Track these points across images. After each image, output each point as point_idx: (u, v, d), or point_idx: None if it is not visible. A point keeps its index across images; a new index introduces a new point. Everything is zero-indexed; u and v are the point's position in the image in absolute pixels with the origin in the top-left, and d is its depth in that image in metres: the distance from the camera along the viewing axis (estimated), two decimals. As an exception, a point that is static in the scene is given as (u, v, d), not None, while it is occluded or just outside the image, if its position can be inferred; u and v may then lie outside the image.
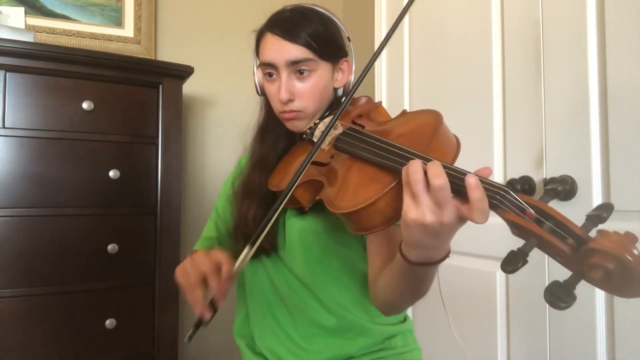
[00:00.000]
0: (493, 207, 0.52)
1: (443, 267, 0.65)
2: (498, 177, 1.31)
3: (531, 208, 0.50)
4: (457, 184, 0.52)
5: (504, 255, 0.50)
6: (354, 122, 0.84)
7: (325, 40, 0.88)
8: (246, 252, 0.68)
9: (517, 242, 0.50)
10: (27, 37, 1.44)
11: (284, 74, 0.87)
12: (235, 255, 0.70)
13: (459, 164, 0.58)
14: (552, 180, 1.13)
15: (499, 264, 0.51)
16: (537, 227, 0.49)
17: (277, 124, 0.96)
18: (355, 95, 0.97)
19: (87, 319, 1.43)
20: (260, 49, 0.91)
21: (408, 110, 0.82)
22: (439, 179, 0.52)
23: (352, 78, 0.95)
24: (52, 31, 1.76)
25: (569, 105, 1.13)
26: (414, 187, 0.54)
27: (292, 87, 0.87)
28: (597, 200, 1.07)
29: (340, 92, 0.95)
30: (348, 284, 0.92)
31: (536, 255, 1.16)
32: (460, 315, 1.40)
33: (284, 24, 0.87)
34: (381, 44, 0.70)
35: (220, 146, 2.04)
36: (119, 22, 1.87)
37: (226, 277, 0.68)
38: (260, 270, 0.94)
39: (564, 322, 1.12)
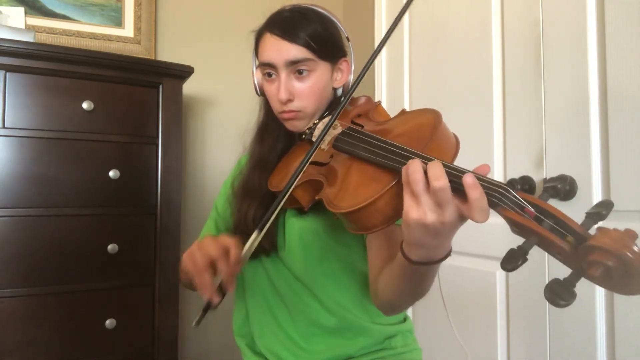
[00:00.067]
0: (492, 205, 0.52)
1: (443, 267, 0.65)
2: (498, 177, 1.31)
3: (530, 206, 0.50)
4: (456, 182, 0.52)
5: (504, 255, 0.50)
6: (353, 122, 0.84)
7: (324, 40, 0.88)
8: (255, 236, 0.69)
9: (517, 242, 0.50)
10: (27, 37, 1.44)
11: (283, 74, 0.87)
12: (243, 241, 0.70)
13: (459, 162, 0.58)
14: (552, 178, 1.13)
15: (499, 263, 0.51)
16: (537, 224, 0.49)
17: (276, 124, 0.96)
18: (355, 94, 0.97)
19: (87, 319, 1.43)
20: (260, 49, 0.91)
21: (407, 110, 0.82)
22: (440, 180, 0.52)
23: (352, 78, 0.95)
24: (52, 31, 1.76)
25: (569, 105, 1.13)
26: (414, 187, 0.54)
27: (292, 87, 0.88)
28: (597, 200, 1.07)
29: (339, 92, 0.96)
30: (348, 284, 0.92)
31: (536, 255, 1.16)
32: (461, 315, 1.40)
33: (283, 24, 0.87)
34: (380, 43, 0.70)
35: (220, 146, 2.04)
36: (119, 22, 1.87)
37: (235, 261, 0.68)
38: (260, 270, 0.94)
39: (564, 322, 1.12)
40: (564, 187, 1.07)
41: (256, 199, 0.91)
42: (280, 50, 0.86)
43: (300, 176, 0.71)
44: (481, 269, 1.35)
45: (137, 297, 1.51)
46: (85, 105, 1.44)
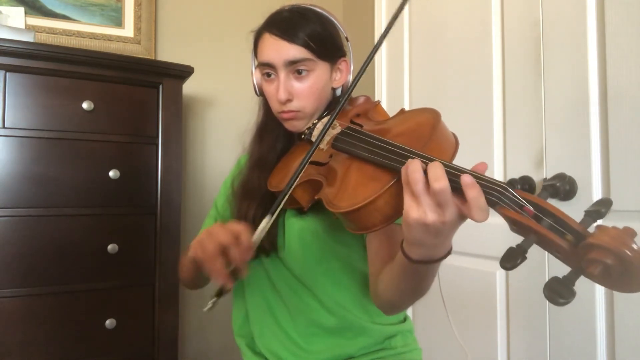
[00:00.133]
0: (491, 203, 0.52)
1: (443, 267, 0.65)
2: (498, 177, 1.31)
3: (529, 204, 0.50)
4: (455, 181, 0.53)
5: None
6: (352, 122, 0.84)
7: (323, 40, 0.88)
8: (266, 222, 0.69)
9: (517, 241, 0.50)
10: (27, 37, 1.44)
11: (282, 74, 0.87)
12: (252, 228, 0.70)
13: (459, 162, 0.58)
14: (550, 178, 1.13)
15: (498, 263, 0.51)
16: (536, 223, 0.49)
17: (275, 124, 0.96)
18: (354, 94, 0.97)
19: (87, 319, 1.43)
20: (259, 49, 0.91)
21: (406, 109, 0.82)
22: (440, 182, 0.52)
23: (351, 78, 0.95)
24: (52, 31, 1.76)
25: (569, 105, 1.13)
26: (414, 187, 0.54)
27: (291, 87, 0.88)
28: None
29: (338, 92, 0.96)
30: (348, 283, 0.92)
31: (536, 255, 1.16)
32: (461, 315, 1.40)
33: (282, 24, 0.87)
34: (377, 44, 0.70)
35: (220, 146, 2.04)
36: (119, 22, 1.87)
37: (247, 247, 0.68)
38: (260, 270, 0.94)
39: (564, 321, 1.12)
40: (564, 187, 1.07)
41: (256, 199, 0.91)
42: (280, 50, 0.86)
43: (301, 174, 0.71)
44: (481, 269, 1.35)
45: (137, 297, 1.51)
46: (85, 105, 1.44)
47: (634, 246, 0.43)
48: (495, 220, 0.57)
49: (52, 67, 1.40)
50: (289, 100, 0.88)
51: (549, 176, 1.17)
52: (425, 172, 0.54)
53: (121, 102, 1.51)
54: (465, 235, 0.91)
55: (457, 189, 0.53)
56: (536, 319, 1.19)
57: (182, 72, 1.59)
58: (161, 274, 1.53)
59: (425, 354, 1.01)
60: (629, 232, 0.44)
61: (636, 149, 0.99)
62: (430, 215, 0.53)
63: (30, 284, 1.36)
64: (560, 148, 1.14)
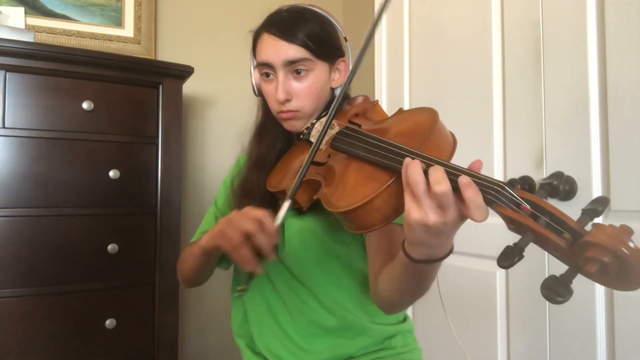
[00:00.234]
0: (488, 202, 0.52)
1: (442, 267, 0.65)
2: (498, 177, 1.31)
3: (526, 203, 0.50)
4: (454, 180, 0.53)
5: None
6: (350, 122, 0.84)
7: (322, 40, 0.88)
8: (287, 206, 0.71)
9: (516, 241, 0.50)
10: (27, 37, 1.44)
11: (281, 74, 0.87)
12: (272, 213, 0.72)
13: (458, 162, 0.58)
14: (547, 176, 1.13)
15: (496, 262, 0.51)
16: (533, 221, 0.49)
17: (274, 124, 0.96)
18: (353, 94, 0.97)
19: (87, 319, 1.43)
20: (257, 49, 0.91)
21: (404, 109, 0.82)
22: (441, 185, 0.52)
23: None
24: (52, 31, 1.76)
25: (569, 105, 1.13)
26: (415, 189, 0.54)
27: (289, 87, 0.88)
28: (597, 200, 1.07)
29: (337, 92, 0.96)
30: (347, 283, 0.92)
31: (536, 255, 1.16)
32: (461, 315, 1.40)
33: (280, 24, 0.87)
34: (365, 42, 0.70)
35: (220, 146, 2.04)
36: (119, 22, 1.87)
37: (272, 232, 0.69)
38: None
39: (564, 321, 1.12)
40: (563, 186, 1.07)
41: (255, 199, 0.91)
42: (278, 50, 0.86)
43: (303, 173, 0.72)
44: (481, 269, 1.35)
45: (137, 297, 1.51)
46: (85, 105, 1.44)
47: (631, 244, 0.43)
48: (495, 220, 0.57)
49: (52, 67, 1.40)
50: (287, 100, 0.88)
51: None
52: (425, 172, 0.54)
53: (121, 102, 1.51)
54: (465, 235, 0.91)
55: (455, 189, 0.53)
56: (536, 319, 1.19)
57: (182, 72, 1.59)
58: (161, 274, 1.53)
59: (425, 354, 1.01)
60: (626, 230, 0.44)
61: (636, 149, 0.99)
62: (431, 216, 0.53)
63: (30, 284, 1.36)
64: (560, 148, 1.14)
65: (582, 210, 0.48)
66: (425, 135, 0.64)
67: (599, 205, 0.48)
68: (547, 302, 0.44)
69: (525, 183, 1.16)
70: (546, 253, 1.13)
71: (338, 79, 0.94)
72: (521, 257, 0.48)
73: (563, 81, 1.14)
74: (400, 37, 1.73)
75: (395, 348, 0.94)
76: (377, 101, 0.91)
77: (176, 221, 1.57)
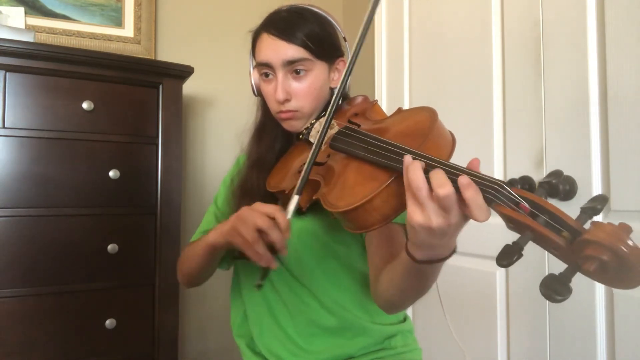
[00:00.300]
0: (487, 201, 0.52)
1: (442, 266, 0.65)
2: (498, 177, 1.31)
3: (525, 201, 0.50)
4: (453, 180, 0.52)
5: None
6: (349, 121, 0.84)
7: (321, 40, 0.88)
8: (296, 200, 0.72)
9: (514, 239, 0.50)
10: (27, 37, 1.44)
11: (280, 74, 0.87)
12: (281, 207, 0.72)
13: (457, 161, 0.58)
14: (547, 175, 1.13)
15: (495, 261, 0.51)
16: (532, 220, 0.49)
17: (274, 124, 0.96)
18: (352, 94, 0.97)
19: (87, 319, 1.43)
20: (257, 49, 0.91)
21: (403, 109, 0.82)
22: (444, 188, 0.51)
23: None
24: (52, 31, 1.76)
25: (569, 105, 1.13)
26: (418, 194, 0.53)
27: (289, 86, 0.88)
28: (597, 200, 1.07)
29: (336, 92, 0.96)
30: (347, 283, 0.91)
31: (536, 255, 1.16)
32: (460, 315, 1.40)
33: (280, 24, 0.87)
34: (359, 40, 0.70)
35: (220, 146, 2.04)
36: (119, 22, 1.87)
37: (285, 226, 0.70)
38: (259, 270, 0.94)
39: (564, 321, 1.12)
40: (563, 186, 1.07)
41: (254, 199, 0.91)
42: (277, 50, 0.86)
43: (309, 168, 0.73)
44: (481, 269, 1.35)
45: (137, 297, 1.51)
46: (85, 105, 1.44)
47: (630, 242, 0.43)
48: (495, 220, 0.57)
49: (52, 67, 1.40)
50: (287, 100, 0.88)
51: (549, 176, 1.17)
52: (425, 172, 0.54)
53: (121, 102, 1.51)
54: (465, 235, 0.91)
55: (455, 189, 0.53)
56: (536, 318, 1.18)
57: (182, 72, 1.59)
58: (161, 274, 1.53)
59: (425, 354, 1.01)
60: (625, 228, 0.44)
61: (636, 149, 0.99)
62: (435, 219, 0.53)
63: (30, 284, 1.36)
64: (560, 148, 1.14)
65: (581, 208, 0.48)
66: (424, 134, 0.64)
67: (598, 203, 0.48)
68: (547, 301, 0.44)
69: (525, 183, 1.16)
70: (546, 253, 1.13)
71: (337, 78, 0.94)
72: (520, 255, 0.48)
73: (563, 81, 1.14)
74: (400, 37, 1.73)
75: (395, 348, 0.94)
76: (376, 101, 0.91)
77: (176, 221, 1.57)
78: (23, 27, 1.65)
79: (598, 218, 0.48)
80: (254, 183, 0.93)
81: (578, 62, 1.11)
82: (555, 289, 0.45)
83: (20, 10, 1.67)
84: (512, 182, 1.20)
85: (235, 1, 2.10)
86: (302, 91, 0.88)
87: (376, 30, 1.88)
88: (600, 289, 1.05)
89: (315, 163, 0.79)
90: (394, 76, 1.77)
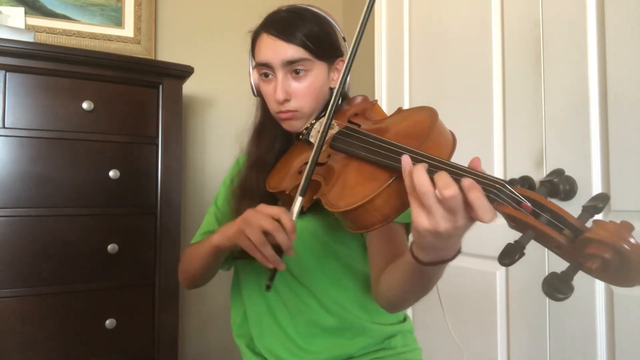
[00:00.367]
0: (489, 200, 0.52)
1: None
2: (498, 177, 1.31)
3: (527, 200, 0.50)
4: (456, 179, 0.52)
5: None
6: (350, 121, 0.84)
7: (320, 40, 0.88)
8: (300, 201, 0.72)
9: (516, 239, 0.50)
10: (27, 37, 1.44)
11: (280, 74, 0.87)
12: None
13: (457, 161, 0.58)
14: (548, 174, 1.13)
15: (497, 259, 0.51)
16: (534, 219, 0.49)
17: (273, 125, 0.96)
18: (352, 94, 0.97)
19: (87, 319, 1.43)
20: (256, 49, 0.91)
21: (403, 108, 0.82)
22: (450, 189, 0.50)
23: (348, 78, 0.95)
24: (52, 31, 1.76)
25: (569, 105, 1.13)
26: (425, 201, 0.52)
27: (288, 87, 0.88)
28: (597, 200, 1.07)
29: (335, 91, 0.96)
30: (347, 284, 0.91)
31: (536, 255, 1.15)
32: (461, 315, 1.40)
33: (279, 24, 0.87)
34: (357, 38, 0.70)
35: (220, 146, 2.04)
36: (119, 22, 1.87)
37: (291, 228, 0.70)
38: (259, 270, 0.94)
39: (564, 321, 1.12)
40: (563, 185, 1.07)
41: (254, 200, 0.91)
42: (277, 50, 0.86)
43: (312, 168, 0.73)
44: (481, 269, 1.35)
45: (137, 297, 1.51)
46: (85, 105, 1.44)
47: (632, 240, 0.43)
48: (495, 219, 0.57)
49: (52, 67, 1.40)
50: (286, 100, 0.88)
51: (548, 176, 1.16)
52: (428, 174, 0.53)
53: (121, 102, 1.51)
54: (466, 235, 0.91)
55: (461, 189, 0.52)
56: (536, 318, 1.18)
57: (182, 72, 1.59)
58: (161, 274, 1.53)
59: (425, 354, 1.01)
60: (627, 226, 0.44)
61: (636, 149, 0.99)
62: (442, 223, 0.52)
63: (30, 284, 1.36)
64: (560, 148, 1.14)
65: (583, 207, 0.48)
66: (424, 134, 0.64)
67: (600, 202, 0.48)
68: (547, 301, 0.44)
69: (525, 183, 1.16)
70: (546, 252, 1.13)
71: (337, 78, 0.94)
72: (522, 254, 0.48)
73: (563, 81, 1.14)
74: (400, 37, 1.73)
75: (395, 348, 0.94)
76: (375, 101, 0.91)
77: (176, 221, 1.57)
78: (23, 27, 1.65)
79: (599, 217, 0.48)
80: (253, 183, 0.93)
81: (578, 62, 1.11)
82: (557, 287, 0.45)
83: (20, 10, 1.67)
84: (512, 182, 1.20)
85: (235, 1, 2.10)
86: (301, 91, 0.88)
87: (376, 31, 1.88)
88: (600, 288, 1.05)
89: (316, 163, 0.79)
90: (394, 76, 1.77)
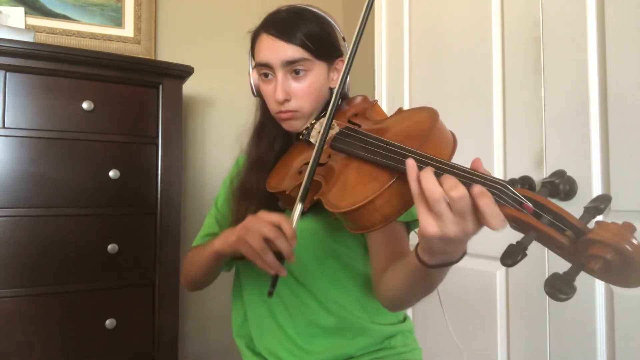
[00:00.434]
0: None
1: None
2: (498, 177, 1.31)
3: (529, 201, 0.50)
4: (464, 183, 0.52)
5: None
6: (350, 122, 0.84)
7: (320, 40, 0.88)
8: (300, 209, 0.72)
9: (517, 239, 0.50)
10: (27, 37, 1.44)
11: (280, 74, 0.87)
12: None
13: (458, 161, 0.58)
14: (549, 175, 1.13)
15: (499, 263, 0.51)
16: (536, 220, 0.49)
17: (273, 125, 0.96)
18: (352, 94, 0.97)
19: (87, 319, 1.43)
20: (256, 49, 0.91)
21: (404, 109, 0.82)
22: (458, 190, 0.50)
23: (348, 78, 0.95)
24: (52, 31, 1.76)
25: (569, 105, 1.13)
26: (437, 207, 0.51)
27: (288, 87, 0.88)
28: (597, 200, 1.07)
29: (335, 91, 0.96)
30: (347, 284, 0.91)
31: (536, 254, 1.16)
32: (461, 315, 1.40)
33: (279, 24, 0.87)
34: (356, 37, 0.71)
35: (220, 146, 2.04)
36: (119, 22, 1.87)
37: (292, 236, 0.70)
38: (260, 272, 0.94)
39: (564, 321, 1.12)
40: (563, 185, 1.07)
41: (254, 200, 0.91)
42: (277, 50, 0.86)
43: (311, 175, 0.73)
44: (481, 269, 1.35)
45: (137, 297, 1.51)
46: (85, 105, 1.44)
47: (634, 241, 0.43)
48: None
49: (52, 67, 1.40)
50: (286, 100, 0.88)
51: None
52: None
53: (121, 102, 1.51)
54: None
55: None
56: (536, 318, 1.19)
57: (182, 72, 1.59)
58: (161, 274, 1.53)
59: (425, 354, 1.01)
60: (629, 228, 0.44)
61: (636, 149, 0.99)
62: (451, 228, 0.51)
63: (30, 284, 1.36)
64: (560, 148, 1.14)
65: (585, 208, 0.49)
66: (425, 134, 0.64)
67: (601, 203, 0.48)
68: (547, 301, 0.44)
69: (525, 183, 1.16)
70: (546, 253, 1.13)
71: (337, 79, 0.94)
72: (524, 255, 0.48)
73: (563, 81, 1.14)
74: (400, 37, 1.73)
75: (395, 348, 0.94)
76: (376, 101, 0.91)
77: (176, 221, 1.57)
78: (23, 27, 1.65)
79: (599, 218, 0.48)
80: (253, 184, 0.93)
81: (578, 62, 1.11)
82: (559, 287, 0.45)
83: (20, 10, 1.66)
84: (512, 182, 1.20)
85: (235, 1, 2.10)
86: (301, 91, 0.88)
87: (376, 31, 1.88)
88: (600, 288, 1.05)
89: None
90: (394, 76, 1.77)
